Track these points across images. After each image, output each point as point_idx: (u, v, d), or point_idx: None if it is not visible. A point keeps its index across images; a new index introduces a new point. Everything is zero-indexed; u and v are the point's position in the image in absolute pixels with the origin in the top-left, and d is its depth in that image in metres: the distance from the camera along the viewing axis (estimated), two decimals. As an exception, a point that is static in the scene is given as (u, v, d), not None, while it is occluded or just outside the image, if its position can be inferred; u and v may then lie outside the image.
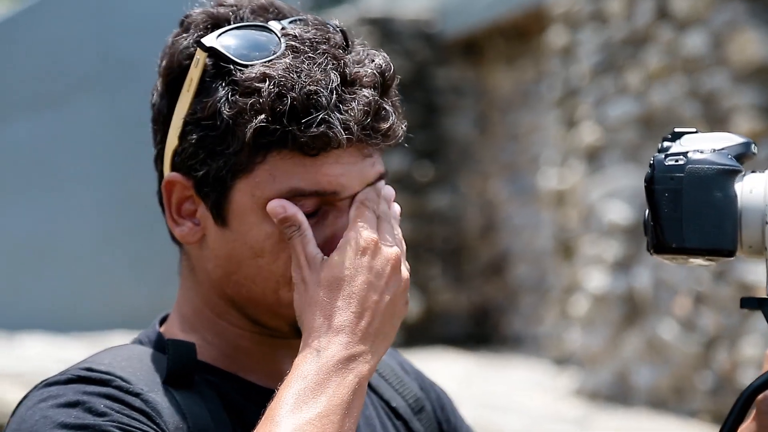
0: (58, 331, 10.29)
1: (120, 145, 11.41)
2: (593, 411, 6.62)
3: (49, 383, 1.20)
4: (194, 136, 1.22)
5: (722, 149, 1.16)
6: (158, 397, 1.19)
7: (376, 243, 1.21)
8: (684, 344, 6.22)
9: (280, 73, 1.19)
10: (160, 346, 1.27)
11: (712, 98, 6.24)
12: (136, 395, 1.18)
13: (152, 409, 1.17)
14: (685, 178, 1.14)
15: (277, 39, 1.22)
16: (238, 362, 1.28)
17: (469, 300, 9.78)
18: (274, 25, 1.24)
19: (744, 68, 6.06)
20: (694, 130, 1.19)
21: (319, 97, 1.18)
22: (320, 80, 1.19)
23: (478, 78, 10.08)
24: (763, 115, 5.99)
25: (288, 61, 1.20)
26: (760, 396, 1.16)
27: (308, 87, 1.19)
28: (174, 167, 1.25)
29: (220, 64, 1.21)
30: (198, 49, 1.22)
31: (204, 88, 1.22)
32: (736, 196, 1.14)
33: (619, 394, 6.70)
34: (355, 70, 1.21)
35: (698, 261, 1.17)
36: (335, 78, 1.20)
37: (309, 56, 1.20)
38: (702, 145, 1.16)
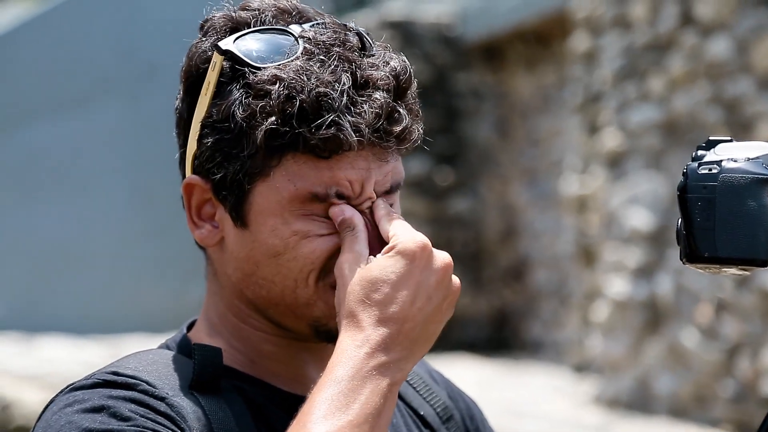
0: (78, 334, 10.32)
1: (141, 148, 11.44)
2: (613, 418, 6.59)
3: (74, 387, 1.20)
4: (210, 140, 1.23)
5: (756, 158, 1.15)
6: (183, 401, 1.18)
7: (427, 247, 1.19)
8: (706, 352, 6.18)
9: (290, 75, 1.19)
10: (187, 350, 1.27)
11: (736, 104, 6.21)
12: (162, 399, 1.18)
13: (177, 413, 1.17)
14: (718, 187, 1.13)
15: (294, 41, 1.23)
16: (263, 367, 1.28)
17: (488, 305, 9.76)
18: (294, 28, 1.25)
19: (768, 74, 6.03)
20: (728, 138, 1.18)
21: (329, 99, 1.19)
22: (330, 82, 1.19)
23: (498, 82, 10.07)
24: (787, 122, 5.96)
25: (300, 63, 1.20)
26: None
27: (318, 89, 1.19)
28: (194, 170, 1.26)
29: (236, 67, 1.22)
30: (215, 52, 1.23)
31: (220, 92, 1.23)
32: (769, 205, 1.12)
33: (639, 402, 6.67)
34: (369, 72, 1.22)
35: (731, 270, 1.15)
36: (347, 80, 1.20)
37: (321, 58, 1.21)
38: (736, 154, 1.15)
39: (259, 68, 1.21)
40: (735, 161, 1.14)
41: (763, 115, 6.02)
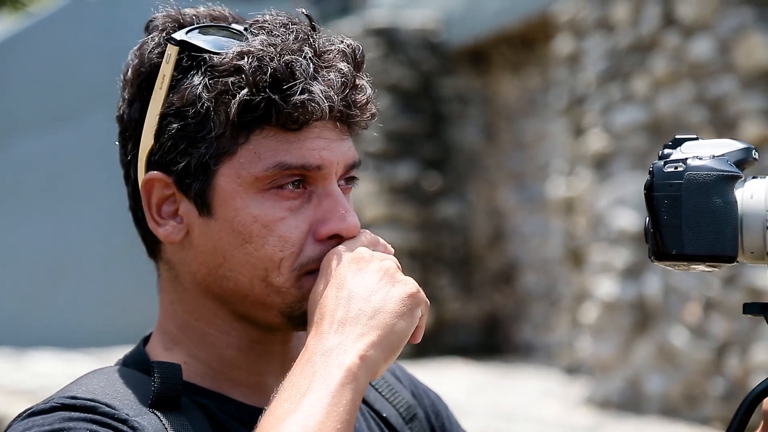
0: (69, 348, 10.30)
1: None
2: (605, 419, 6.60)
3: (32, 413, 1.18)
4: (173, 128, 1.22)
5: (722, 155, 1.15)
6: (145, 421, 1.17)
7: (371, 255, 1.21)
8: (695, 351, 6.20)
9: (257, 47, 1.20)
10: (145, 367, 1.25)
11: (720, 104, 6.23)
12: (123, 421, 1.16)
13: None
14: (684, 185, 1.13)
15: (243, 31, 1.24)
16: (225, 377, 1.26)
17: (478, 309, 9.77)
18: (236, 26, 1.26)
19: (751, 73, 6.05)
20: (694, 136, 1.19)
21: (299, 65, 1.20)
22: (296, 50, 1.21)
23: (484, 87, 10.08)
24: (770, 120, 5.98)
25: (263, 37, 1.22)
26: (766, 404, 1.15)
27: (286, 57, 1.20)
28: (150, 168, 1.24)
29: (193, 56, 1.22)
30: (168, 45, 1.23)
31: (176, 83, 1.22)
32: (736, 201, 1.13)
33: (630, 402, 6.68)
34: (327, 47, 1.23)
35: (700, 267, 1.16)
36: (309, 51, 1.21)
37: (280, 33, 1.22)
38: (701, 152, 1.15)
39: (219, 52, 1.21)
40: (700, 159, 1.14)
41: (747, 113, 6.04)
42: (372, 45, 9.69)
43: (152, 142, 1.23)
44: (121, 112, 1.28)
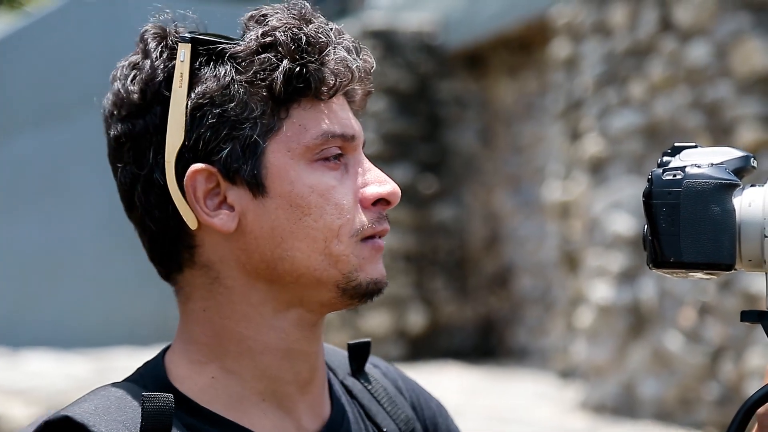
0: (64, 348, 10.29)
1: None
2: (599, 423, 6.60)
3: (35, 428, 1.19)
4: (210, 117, 1.22)
5: (720, 163, 1.15)
6: None
7: None
8: (690, 355, 6.20)
9: (282, 21, 1.23)
10: (160, 385, 1.25)
11: (716, 109, 6.23)
12: None
13: None
14: (682, 193, 1.13)
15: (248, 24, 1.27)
16: (255, 393, 1.26)
17: (474, 312, 9.77)
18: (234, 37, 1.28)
19: (748, 78, 6.06)
20: (693, 144, 1.19)
21: (324, 32, 1.24)
22: (312, 21, 1.24)
23: (481, 90, 10.09)
24: (766, 125, 5.98)
25: (278, 16, 1.24)
26: (762, 410, 1.15)
27: (309, 26, 1.23)
28: (182, 165, 1.23)
29: (206, 50, 1.24)
30: (180, 44, 1.24)
31: (196, 77, 1.23)
32: (734, 209, 1.13)
33: (624, 406, 6.69)
34: (328, 25, 1.27)
35: (698, 275, 1.16)
36: (322, 20, 1.25)
37: (288, 10, 1.25)
38: (700, 160, 1.16)
39: (237, 41, 1.24)
40: (699, 167, 1.15)
41: (743, 119, 6.05)
42: (369, 47, 9.68)
43: (182, 138, 1.22)
44: (128, 127, 1.26)
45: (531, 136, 9.46)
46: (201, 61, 1.24)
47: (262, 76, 1.21)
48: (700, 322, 6.17)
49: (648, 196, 1.15)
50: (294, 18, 1.24)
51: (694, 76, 6.36)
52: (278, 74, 1.21)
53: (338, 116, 1.25)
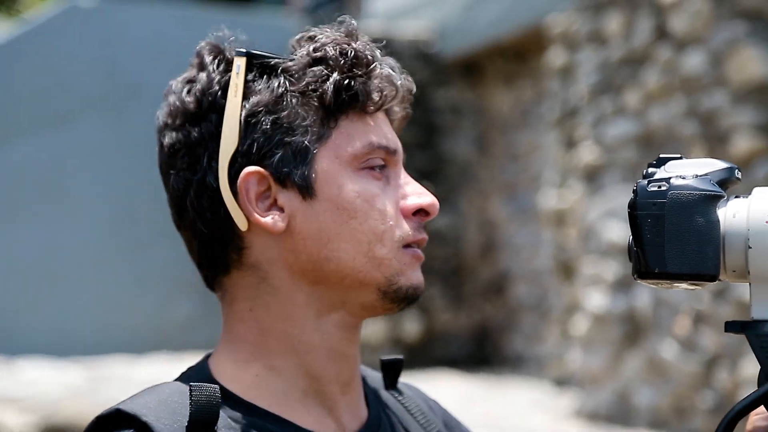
0: (59, 356, 10.28)
1: (123, 166, 11.43)
2: (594, 431, 6.60)
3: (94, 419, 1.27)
4: (264, 123, 1.29)
5: (705, 175, 1.15)
6: None
7: None
8: (684, 364, 6.20)
9: (331, 38, 1.31)
10: (207, 381, 1.30)
11: (712, 117, 6.24)
12: None
13: None
14: (667, 204, 1.13)
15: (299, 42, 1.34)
16: (299, 390, 1.31)
17: (469, 320, 9.77)
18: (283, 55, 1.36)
19: (743, 87, 6.07)
20: (678, 155, 1.20)
21: (370, 49, 1.31)
22: (359, 39, 1.32)
23: (477, 98, 10.10)
24: (762, 134, 5.99)
25: (327, 33, 1.32)
26: (752, 426, 1.15)
27: (356, 44, 1.31)
28: (236, 169, 1.29)
29: (260, 64, 1.32)
30: (236, 58, 1.31)
31: (250, 88, 1.31)
32: (718, 221, 1.13)
33: (619, 414, 6.69)
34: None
35: (682, 285, 1.17)
36: (367, 39, 1.33)
37: (337, 29, 1.33)
38: (685, 171, 1.16)
39: (290, 57, 1.31)
40: (684, 178, 1.15)
41: (739, 127, 6.06)
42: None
43: (236, 144, 1.29)
44: (183, 135, 1.33)
45: (526, 144, 9.47)
46: (255, 74, 1.31)
47: (313, 87, 1.29)
48: (694, 330, 6.17)
49: (633, 207, 1.15)
50: (343, 35, 1.31)
51: (689, 85, 6.37)
52: (329, 85, 1.28)
53: (382, 130, 1.32)
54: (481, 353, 9.72)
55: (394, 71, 1.33)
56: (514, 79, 9.65)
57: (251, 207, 1.29)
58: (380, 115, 1.33)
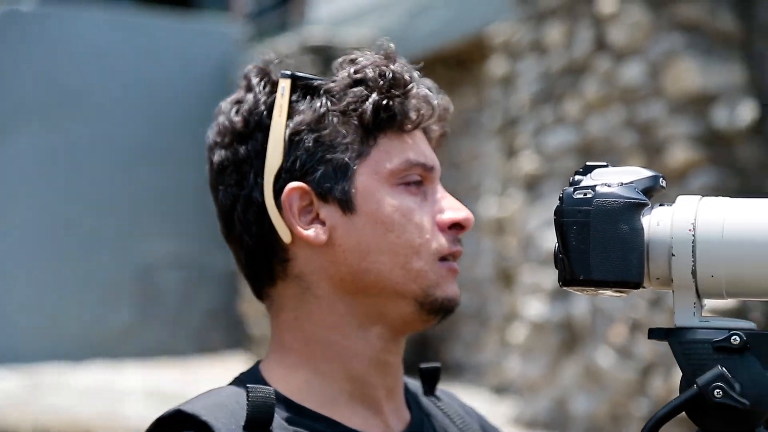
0: (-6, 362, 10.14)
1: (62, 174, 11.31)
2: (532, 439, 6.63)
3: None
4: (307, 143, 1.36)
5: (630, 183, 1.16)
6: None
7: None
8: (620, 372, 6.26)
9: (371, 60, 1.38)
10: (261, 384, 1.36)
11: (649, 128, 6.31)
12: None
13: None
14: (592, 211, 1.14)
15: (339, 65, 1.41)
16: (346, 394, 1.37)
17: (410, 328, 9.77)
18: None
19: (680, 98, 6.14)
20: (604, 164, 1.20)
21: (408, 71, 1.39)
22: (397, 61, 1.39)
23: (419, 106, 10.11)
24: (698, 145, 6.06)
25: (367, 55, 1.39)
26: None
27: (394, 66, 1.38)
28: (280, 185, 1.36)
29: (303, 86, 1.38)
30: (281, 79, 1.38)
31: (294, 108, 1.37)
32: (642, 228, 1.14)
33: (557, 422, 6.73)
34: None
35: (607, 293, 1.17)
36: (405, 62, 1.41)
37: (375, 52, 1.40)
38: (610, 179, 1.16)
39: (332, 79, 1.38)
40: (609, 186, 1.15)
41: (675, 138, 6.13)
42: (308, 62, 9.69)
43: (280, 161, 1.36)
44: (231, 152, 1.40)
45: (468, 152, 9.51)
46: (299, 94, 1.38)
47: (353, 107, 1.36)
48: (631, 338, 6.23)
49: (559, 215, 1.15)
50: (381, 58, 1.38)
51: (628, 95, 6.44)
52: (368, 105, 1.35)
53: (420, 147, 1.39)
54: (422, 361, 9.70)
55: (431, 91, 1.40)
56: (456, 88, 9.69)
57: (294, 221, 1.36)
58: (418, 133, 1.40)
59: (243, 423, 1.29)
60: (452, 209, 1.39)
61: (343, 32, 10.32)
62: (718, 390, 1.11)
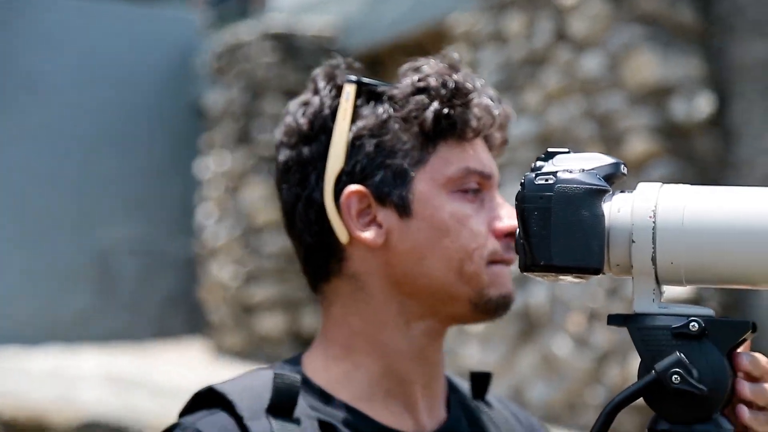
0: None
1: (19, 158, 11.20)
2: (489, 427, 6.66)
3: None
4: (368, 146, 1.40)
5: (591, 169, 1.16)
6: (255, 425, 1.33)
7: None
8: (577, 360, 6.30)
9: (434, 69, 1.42)
10: (295, 372, 1.40)
11: (608, 119, 6.34)
12: (238, 419, 1.34)
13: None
14: (553, 197, 1.14)
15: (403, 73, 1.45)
16: (383, 389, 1.41)
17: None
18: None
19: (639, 90, 6.17)
20: (566, 150, 1.20)
21: (471, 80, 1.42)
22: (460, 72, 1.43)
23: (380, 94, 10.11)
24: (656, 136, 6.10)
25: (430, 64, 1.43)
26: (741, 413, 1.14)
27: (457, 76, 1.42)
28: (340, 187, 1.40)
29: (367, 92, 1.42)
30: (346, 85, 1.42)
31: (357, 113, 1.41)
32: (603, 215, 1.14)
33: (514, 410, 6.76)
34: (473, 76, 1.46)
35: (568, 278, 1.17)
36: (467, 72, 1.45)
37: (438, 62, 1.44)
38: (572, 165, 1.16)
39: (396, 86, 1.42)
40: (570, 172, 1.15)
41: (634, 129, 6.17)
42: (269, 50, 9.66)
43: (342, 164, 1.41)
44: (296, 153, 1.44)
45: (428, 142, 9.52)
46: (362, 99, 1.42)
47: (415, 114, 1.40)
48: (588, 327, 6.27)
49: (520, 200, 1.15)
50: (445, 67, 1.42)
51: (588, 87, 6.47)
52: (429, 113, 1.39)
53: (479, 155, 1.42)
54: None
55: (492, 101, 1.43)
56: (417, 77, 9.70)
57: (353, 222, 1.40)
58: (478, 141, 1.43)
59: (266, 406, 1.33)
60: (509, 217, 1.42)
61: (304, 20, 10.29)
62: (676, 376, 1.11)
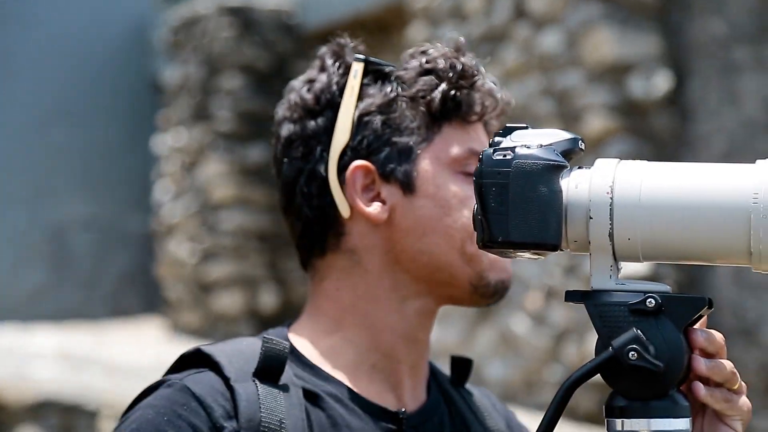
0: None
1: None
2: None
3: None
4: (375, 123, 1.43)
5: (549, 145, 1.16)
6: (240, 386, 1.34)
7: None
8: (535, 338, 6.33)
9: (441, 53, 1.45)
10: (283, 340, 1.41)
11: (567, 96, 6.36)
12: (225, 379, 1.35)
13: (233, 394, 1.34)
14: (511, 173, 1.13)
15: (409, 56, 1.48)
16: (368, 365, 1.42)
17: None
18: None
19: (597, 67, 6.19)
20: (524, 126, 1.20)
21: (476, 66, 1.46)
22: (466, 56, 1.46)
23: (339, 71, 10.08)
24: (614, 114, 6.13)
25: (437, 47, 1.46)
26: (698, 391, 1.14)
27: (464, 59, 1.45)
28: (344, 162, 1.42)
29: (375, 70, 1.46)
30: (354, 62, 1.45)
31: (364, 91, 1.44)
32: (561, 191, 1.13)
33: (471, 387, 6.79)
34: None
35: (526, 255, 1.17)
36: (472, 56, 1.47)
37: (445, 46, 1.47)
38: (530, 141, 1.16)
39: (404, 66, 1.45)
40: (528, 148, 1.15)
41: (592, 107, 6.19)
42: (226, 24, 9.59)
43: (347, 139, 1.43)
44: (300, 127, 1.46)
45: (387, 119, 9.51)
46: (370, 78, 1.45)
47: (422, 94, 1.43)
48: (546, 305, 6.30)
49: (478, 176, 1.15)
50: (452, 50, 1.46)
51: (546, 64, 6.48)
52: (436, 94, 1.43)
53: (481, 139, 1.46)
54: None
55: (496, 85, 1.48)
56: (376, 53, 9.59)
57: (357, 197, 1.42)
58: (479, 126, 1.47)
59: (253, 370, 1.35)
60: None
61: (262, -6, 10.22)
62: (632, 352, 1.11)
